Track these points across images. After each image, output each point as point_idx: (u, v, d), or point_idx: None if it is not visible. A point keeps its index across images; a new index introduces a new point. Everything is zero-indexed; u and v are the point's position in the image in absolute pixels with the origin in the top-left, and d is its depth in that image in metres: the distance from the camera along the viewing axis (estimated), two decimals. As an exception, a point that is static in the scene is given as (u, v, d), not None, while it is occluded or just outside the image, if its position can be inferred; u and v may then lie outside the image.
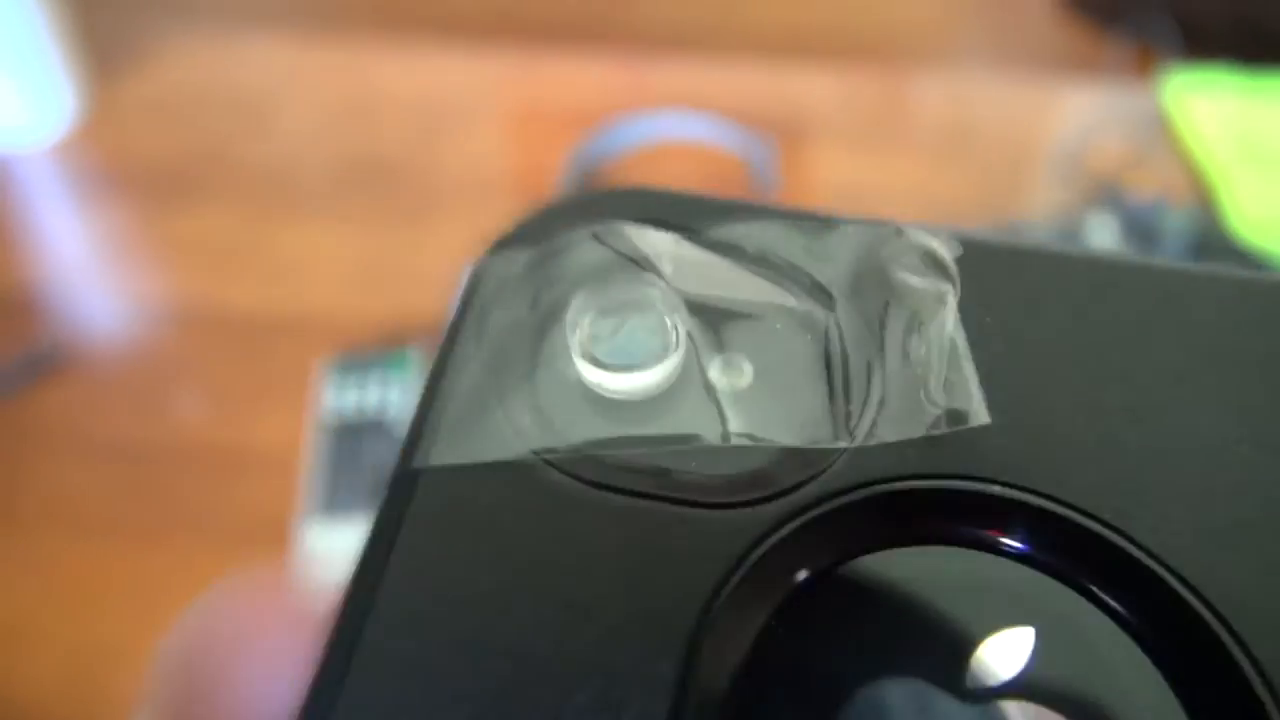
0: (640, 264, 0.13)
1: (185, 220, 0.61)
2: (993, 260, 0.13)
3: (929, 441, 0.11)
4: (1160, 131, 0.68)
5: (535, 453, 0.12)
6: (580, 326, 0.12)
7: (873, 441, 0.11)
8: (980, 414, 0.11)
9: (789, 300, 0.13)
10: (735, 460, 0.12)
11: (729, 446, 0.12)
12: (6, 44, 0.63)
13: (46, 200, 0.64)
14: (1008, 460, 0.11)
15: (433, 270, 0.57)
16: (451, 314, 0.13)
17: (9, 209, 0.62)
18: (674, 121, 0.65)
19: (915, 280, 0.12)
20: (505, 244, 0.13)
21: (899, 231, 0.13)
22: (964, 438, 0.11)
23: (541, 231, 0.13)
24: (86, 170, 0.65)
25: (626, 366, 0.12)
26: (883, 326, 0.12)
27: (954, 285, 0.12)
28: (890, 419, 0.12)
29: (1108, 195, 0.54)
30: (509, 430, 0.12)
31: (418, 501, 0.11)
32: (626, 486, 0.11)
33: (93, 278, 0.59)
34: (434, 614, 0.11)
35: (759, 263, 0.13)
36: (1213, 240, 0.53)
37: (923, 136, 0.69)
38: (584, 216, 0.13)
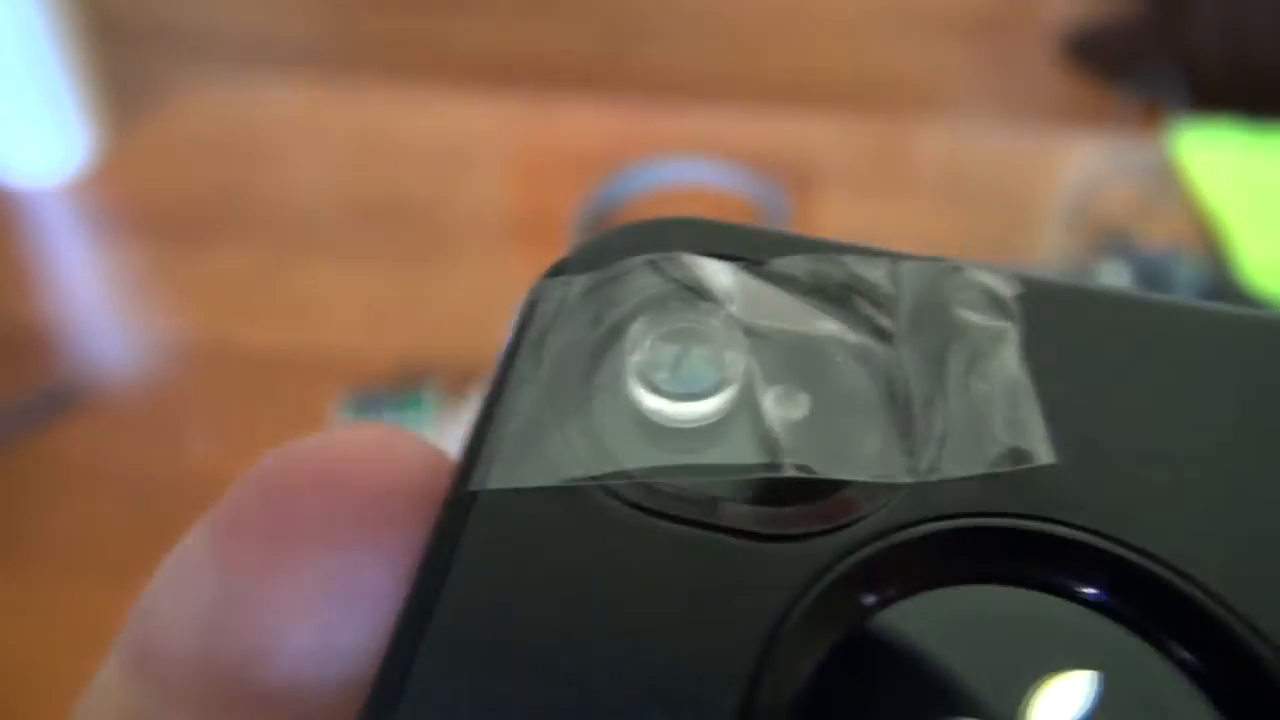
0: (699, 292, 0.13)
1: (200, 260, 0.61)
2: (1055, 300, 0.13)
3: (992, 479, 0.11)
4: (1168, 182, 0.68)
5: (594, 478, 0.11)
6: (639, 352, 0.12)
7: (935, 477, 0.11)
8: (1045, 453, 0.11)
9: (847, 333, 0.13)
10: (793, 492, 0.12)
11: (786, 478, 0.12)
12: (27, 83, 0.64)
13: (63, 238, 0.64)
14: (1073, 500, 0.11)
15: (445, 311, 0.58)
16: (509, 336, 0.13)
17: (27, 246, 0.62)
18: (685, 167, 0.66)
19: (975, 317, 0.12)
20: (563, 269, 0.13)
21: (957, 268, 0.13)
22: (1028, 476, 0.11)
23: (599, 258, 0.13)
24: (103, 209, 0.65)
25: (685, 395, 0.12)
26: (943, 363, 0.12)
27: (1014, 323, 0.12)
28: (953, 455, 0.11)
29: (1118, 244, 0.55)
30: (567, 455, 0.12)
31: (473, 526, 0.11)
32: (685, 515, 0.11)
33: (108, 316, 0.59)
34: (491, 642, 0.11)
35: (816, 295, 0.13)
36: (1225, 290, 0.53)
37: (929, 184, 0.70)
38: (641, 244, 0.13)
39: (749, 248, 0.13)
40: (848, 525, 0.11)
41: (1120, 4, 1.67)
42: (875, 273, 0.13)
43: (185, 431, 0.51)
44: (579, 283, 0.13)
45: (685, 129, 0.72)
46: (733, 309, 0.13)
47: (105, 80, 0.70)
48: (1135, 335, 0.13)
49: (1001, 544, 0.11)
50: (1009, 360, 0.12)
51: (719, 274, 0.13)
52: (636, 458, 0.12)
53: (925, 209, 0.67)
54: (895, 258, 0.13)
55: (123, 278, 0.61)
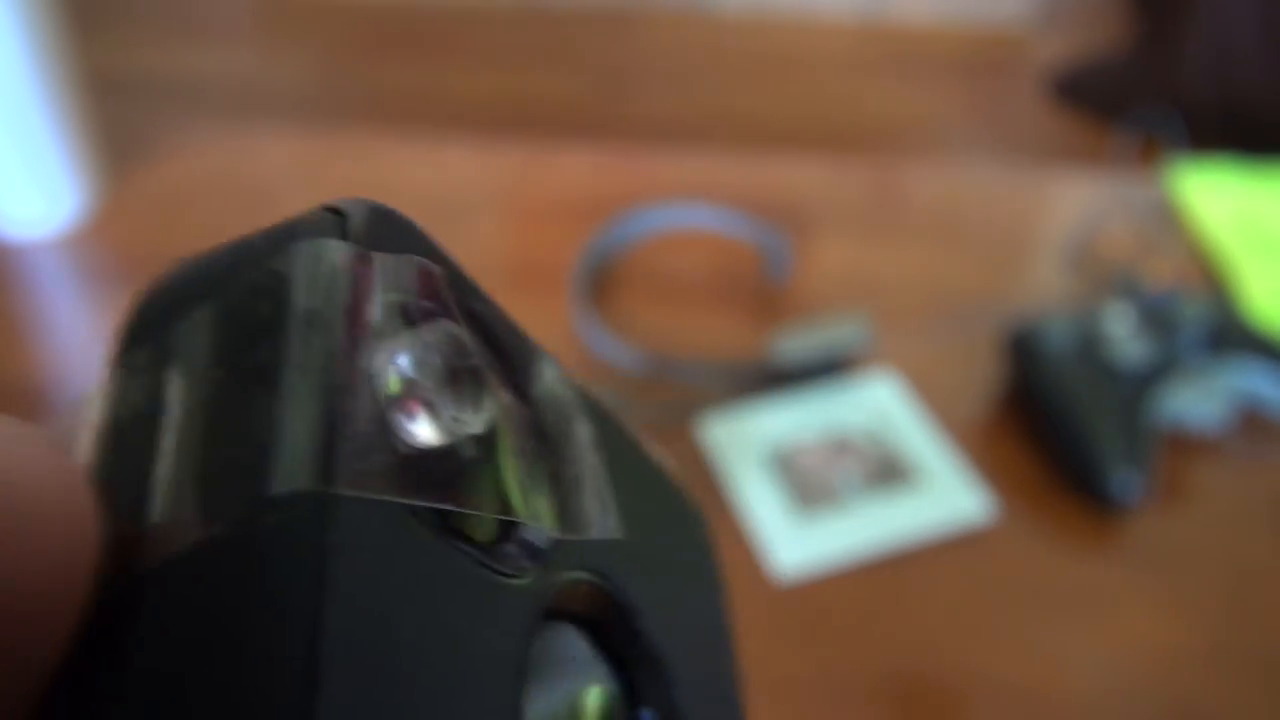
0: (452, 320, 0.13)
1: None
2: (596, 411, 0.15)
3: (589, 541, 0.14)
4: (1167, 221, 0.68)
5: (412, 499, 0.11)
6: (415, 370, 0.12)
7: (575, 537, 0.13)
8: (617, 528, 0.14)
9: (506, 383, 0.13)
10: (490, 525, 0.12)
11: (500, 516, 0.12)
12: (19, 135, 0.64)
13: (57, 291, 0.64)
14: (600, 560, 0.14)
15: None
16: (284, 294, 0.11)
17: (20, 300, 0.62)
18: (684, 211, 0.65)
19: (570, 405, 0.14)
20: (344, 232, 0.12)
21: (549, 360, 0.14)
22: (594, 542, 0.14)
23: (378, 240, 0.13)
24: (97, 261, 0.64)
25: (455, 431, 0.12)
26: (559, 436, 0.14)
27: (589, 419, 0.15)
28: (579, 520, 0.13)
29: (1124, 285, 0.55)
30: (387, 466, 0.11)
31: (335, 529, 0.10)
32: (464, 549, 0.11)
33: (102, 369, 0.58)
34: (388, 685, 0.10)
35: (493, 344, 0.13)
36: (1230, 328, 0.53)
37: (929, 227, 0.69)
38: (405, 241, 0.13)
39: (455, 278, 0.13)
40: (542, 569, 0.12)
41: (1109, 45, 1.69)
42: (524, 342, 0.14)
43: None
44: (375, 261, 0.12)
45: (680, 175, 0.72)
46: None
47: (98, 132, 0.69)
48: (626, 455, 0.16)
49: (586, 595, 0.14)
50: (592, 448, 0.14)
51: (462, 302, 0.13)
52: (401, 476, 0.11)
53: (923, 253, 0.66)
54: (522, 331, 0.14)
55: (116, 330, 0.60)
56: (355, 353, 0.11)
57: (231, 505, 0.10)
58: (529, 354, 0.14)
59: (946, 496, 0.49)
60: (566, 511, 0.13)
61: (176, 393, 0.11)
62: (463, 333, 0.12)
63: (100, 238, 0.66)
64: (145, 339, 0.12)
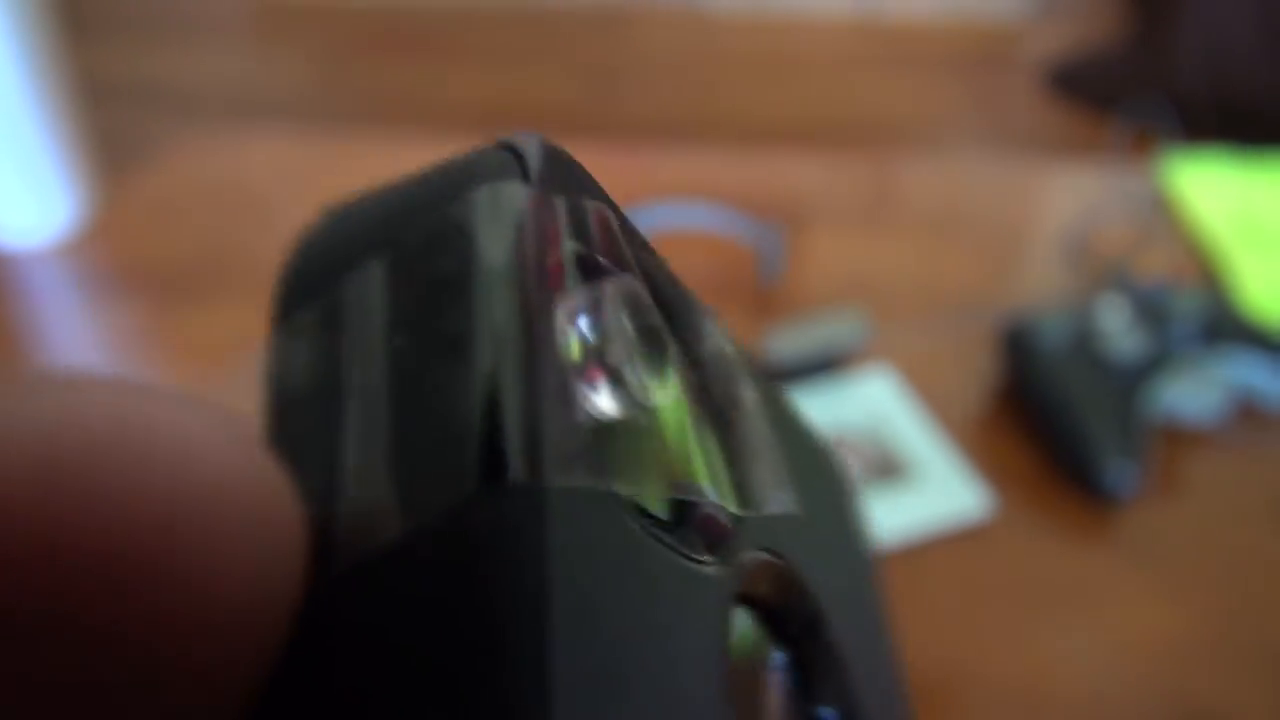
0: (637, 283, 0.11)
1: (192, 318, 0.61)
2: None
3: (765, 517, 0.12)
4: (1162, 213, 0.68)
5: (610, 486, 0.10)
6: (600, 334, 0.10)
7: (754, 513, 0.12)
8: (794, 503, 0.13)
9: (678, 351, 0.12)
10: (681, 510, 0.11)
11: (687, 492, 0.11)
12: (13, 144, 0.64)
13: (54, 300, 0.64)
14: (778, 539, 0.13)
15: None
16: (466, 250, 0.10)
17: (18, 309, 0.62)
18: (678, 210, 0.65)
19: (740, 371, 0.13)
20: (526, 172, 0.11)
21: (718, 318, 0.13)
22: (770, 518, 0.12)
23: (556, 182, 0.11)
24: (95, 269, 0.65)
25: (637, 388, 0.10)
26: (737, 407, 0.13)
27: (755, 386, 0.14)
28: (761, 495, 0.12)
29: (1117, 278, 0.55)
30: (598, 449, 0.10)
31: (554, 523, 0.09)
32: (661, 535, 0.10)
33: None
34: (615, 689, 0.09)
35: (663, 302, 0.12)
36: (1223, 319, 0.53)
37: (924, 223, 0.70)
38: (580, 182, 0.12)
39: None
40: (733, 549, 0.11)
41: (1104, 38, 1.69)
42: (689, 300, 0.13)
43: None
44: (561, 208, 0.10)
45: (676, 173, 0.72)
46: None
47: (93, 139, 0.69)
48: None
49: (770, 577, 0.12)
50: (760, 417, 0.13)
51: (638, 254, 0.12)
52: (626, 465, 0.10)
53: (920, 249, 0.66)
54: (688, 290, 0.13)
55: (116, 338, 0.60)
56: (548, 315, 0.10)
57: (436, 498, 0.09)
58: (694, 309, 0.13)
59: (944, 492, 0.49)
60: (743, 485, 0.12)
61: (355, 362, 0.10)
62: (641, 288, 0.11)
63: (96, 245, 0.66)
64: (310, 294, 0.11)
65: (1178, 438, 0.52)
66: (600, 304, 0.10)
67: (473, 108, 1.59)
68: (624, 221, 0.12)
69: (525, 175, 0.10)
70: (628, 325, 0.10)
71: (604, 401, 0.10)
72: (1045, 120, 1.60)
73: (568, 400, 0.10)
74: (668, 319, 0.11)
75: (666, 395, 0.11)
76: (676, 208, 0.65)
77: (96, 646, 0.06)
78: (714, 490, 0.11)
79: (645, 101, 1.66)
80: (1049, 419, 0.51)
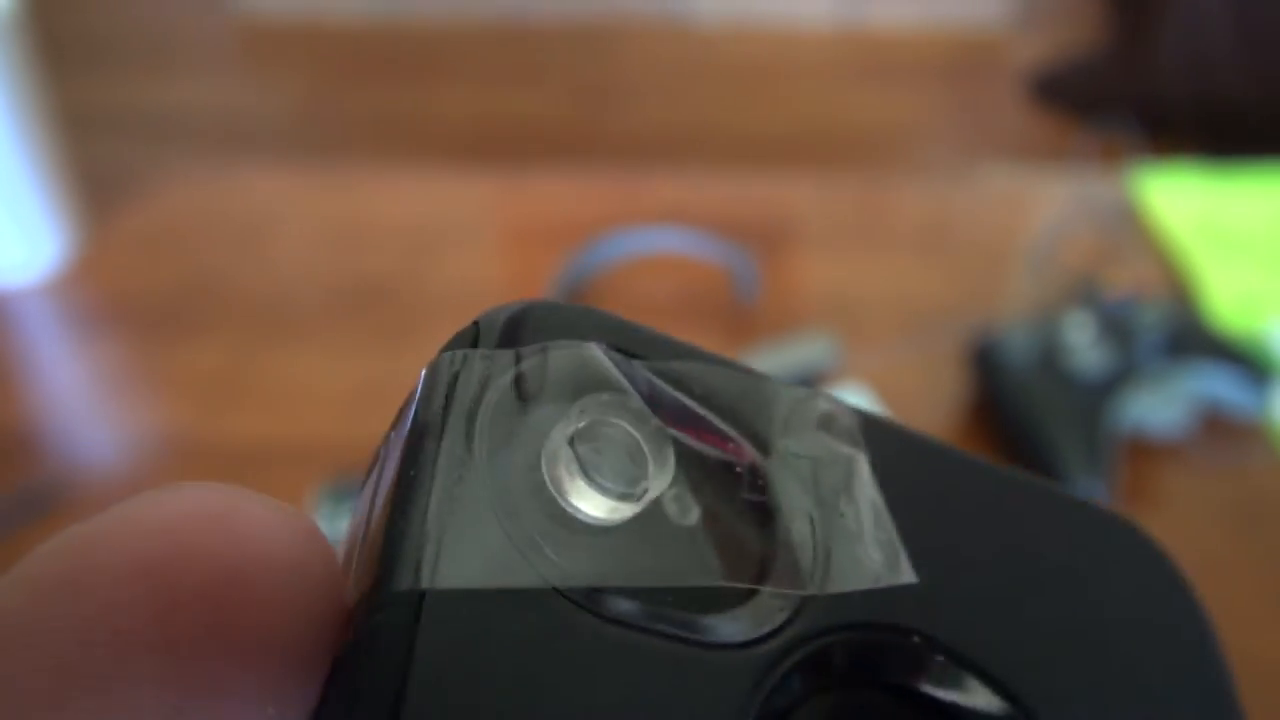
0: (626, 388, 0.12)
1: (179, 352, 0.62)
2: (882, 434, 0.14)
3: (866, 594, 0.12)
4: (1130, 224, 0.69)
5: (548, 580, 0.11)
6: (574, 445, 0.12)
7: (829, 590, 0.12)
8: (908, 571, 0.13)
9: (734, 443, 0.13)
10: (699, 597, 0.12)
11: (707, 585, 0.12)
12: (2, 182, 0.65)
13: (42, 336, 0.65)
14: (936, 615, 0.12)
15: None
16: (416, 408, 0.12)
17: (7, 346, 0.63)
18: (655, 235, 0.66)
19: (834, 443, 0.13)
20: (476, 340, 0.13)
21: (814, 394, 0.14)
22: (895, 590, 0.12)
23: (511, 332, 0.13)
24: (81, 305, 0.66)
25: (626, 494, 0.11)
26: (816, 483, 0.13)
27: (864, 450, 0.13)
28: (839, 570, 0.12)
29: (1084, 293, 0.56)
30: (514, 552, 0.11)
31: (426, 628, 0.10)
32: (637, 623, 0.11)
33: (87, 415, 0.59)
34: None
35: (706, 403, 0.13)
36: (1188, 332, 0.54)
37: (901, 240, 0.71)
38: (553, 324, 0.13)
39: (643, 346, 0.13)
40: (773, 634, 0.12)
41: (1087, 45, 1.70)
42: (754, 389, 0.13)
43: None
44: (502, 358, 0.12)
45: (661, 194, 0.73)
46: (657, 412, 0.12)
47: (79, 174, 0.70)
48: (937, 475, 0.14)
49: (884, 653, 0.12)
50: (868, 484, 0.13)
51: (633, 370, 0.13)
52: (571, 557, 0.11)
53: (896, 265, 0.67)
54: (768, 378, 0.14)
55: (101, 375, 0.61)
56: (459, 447, 0.11)
57: (365, 602, 0.11)
58: (763, 399, 0.13)
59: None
60: (828, 564, 0.12)
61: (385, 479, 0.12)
62: (627, 400, 0.12)
63: (84, 281, 0.67)
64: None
65: (1144, 450, 0.52)
66: (574, 422, 0.12)
67: (463, 129, 1.60)
68: (647, 340, 0.13)
69: (474, 342, 0.12)
70: (601, 435, 0.12)
71: (586, 504, 0.11)
72: (1030, 127, 1.61)
73: (527, 508, 0.11)
74: (719, 410, 0.13)
75: (656, 491, 0.12)
76: (653, 233, 0.66)
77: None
78: (747, 574, 0.12)
79: (634, 118, 1.67)
80: (1017, 433, 0.52)
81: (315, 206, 0.75)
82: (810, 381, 0.55)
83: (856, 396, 0.55)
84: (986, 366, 0.54)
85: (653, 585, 0.11)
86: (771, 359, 0.54)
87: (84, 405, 0.60)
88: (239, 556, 0.10)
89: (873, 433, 0.14)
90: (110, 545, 0.09)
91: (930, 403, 0.56)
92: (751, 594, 0.12)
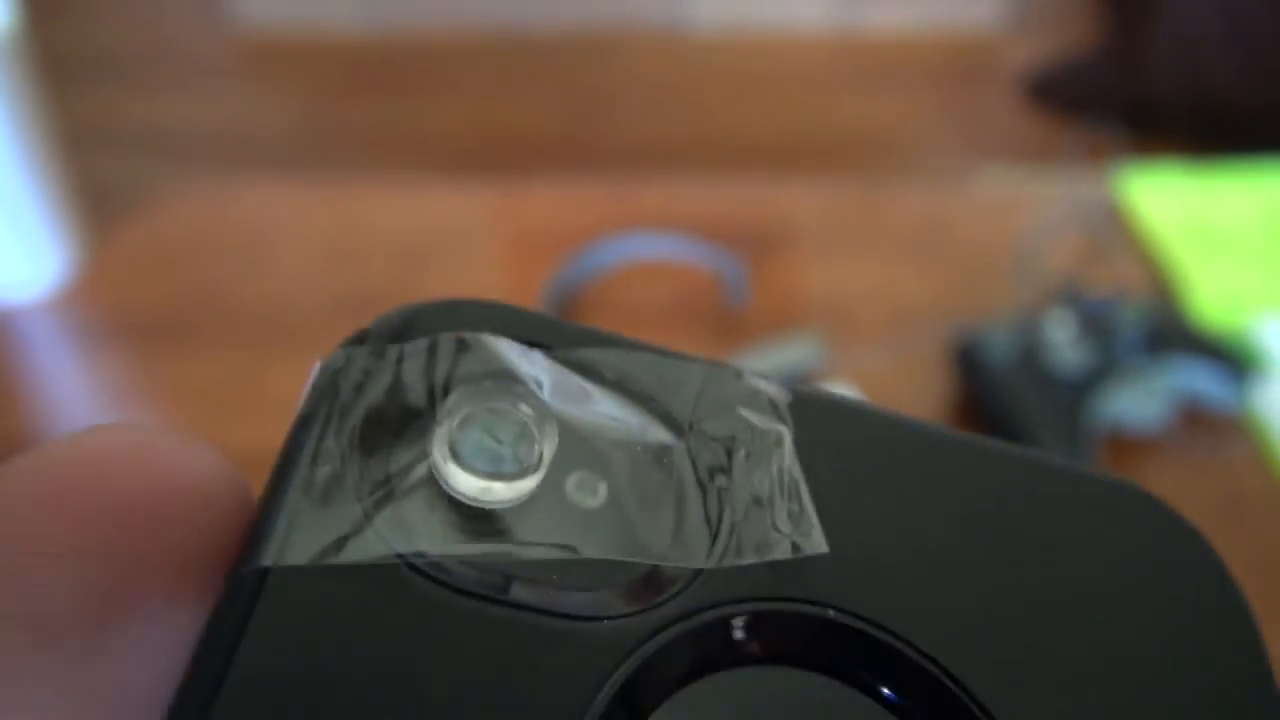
0: (511, 374, 0.13)
1: (181, 365, 0.63)
2: (818, 409, 0.14)
3: (772, 566, 0.12)
4: (1115, 224, 0.70)
5: (399, 555, 0.11)
6: (450, 429, 0.12)
7: (728, 563, 0.12)
8: (820, 543, 0.13)
9: (645, 426, 0.13)
10: (596, 575, 0.12)
11: (588, 561, 0.12)
12: (2, 198, 0.66)
13: (45, 352, 0.66)
14: (843, 586, 0.13)
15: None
16: (304, 403, 0.13)
17: (10, 361, 0.64)
18: (645, 242, 0.67)
19: (756, 419, 0.14)
20: (365, 340, 0.13)
21: (739, 374, 0.14)
22: (805, 563, 0.12)
23: (403, 331, 0.13)
24: (85, 320, 0.67)
25: (495, 475, 0.12)
26: (730, 458, 0.13)
27: (789, 426, 0.14)
28: (744, 543, 0.12)
29: (1066, 293, 0.57)
30: (367, 531, 0.11)
31: (264, 604, 0.11)
32: (490, 594, 0.11)
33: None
34: None
35: (616, 388, 0.14)
36: (1168, 330, 0.55)
37: (891, 241, 0.72)
38: (444, 322, 0.14)
39: (553, 336, 0.14)
40: (652, 607, 0.12)
41: (1081, 45, 1.71)
42: (669, 372, 0.14)
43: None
44: (387, 354, 0.13)
45: (655, 201, 0.74)
46: (544, 394, 0.13)
47: (83, 190, 0.72)
48: (883, 446, 0.14)
49: (793, 629, 0.12)
50: (786, 459, 0.13)
51: (528, 357, 0.13)
52: (439, 537, 0.12)
53: (887, 268, 0.68)
54: (686, 360, 0.14)
55: (104, 389, 0.63)
56: (337, 439, 0.12)
57: (224, 580, 0.11)
58: (680, 381, 0.14)
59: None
60: (737, 538, 0.12)
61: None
62: (511, 386, 0.13)
63: (87, 296, 0.68)
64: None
65: (1125, 446, 0.53)
66: (452, 411, 0.12)
67: (462, 140, 1.61)
68: (540, 324, 0.14)
69: (359, 342, 0.13)
70: (473, 421, 0.12)
71: (462, 483, 0.12)
72: (1026, 129, 1.62)
73: (343, 497, 0.12)
74: (631, 394, 0.13)
75: (531, 473, 0.12)
76: (642, 239, 0.67)
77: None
78: (631, 550, 0.12)
79: (632, 125, 1.68)
80: (999, 431, 0.53)
81: (315, 219, 0.76)
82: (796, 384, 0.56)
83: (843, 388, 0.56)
84: (968, 365, 0.55)
85: (530, 562, 0.12)
86: (758, 361, 0.56)
87: (87, 419, 0.61)
88: (152, 480, 0.11)
89: (813, 411, 0.14)
90: (33, 472, 0.11)
91: (915, 402, 0.57)
92: (641, 569, 0.12)
